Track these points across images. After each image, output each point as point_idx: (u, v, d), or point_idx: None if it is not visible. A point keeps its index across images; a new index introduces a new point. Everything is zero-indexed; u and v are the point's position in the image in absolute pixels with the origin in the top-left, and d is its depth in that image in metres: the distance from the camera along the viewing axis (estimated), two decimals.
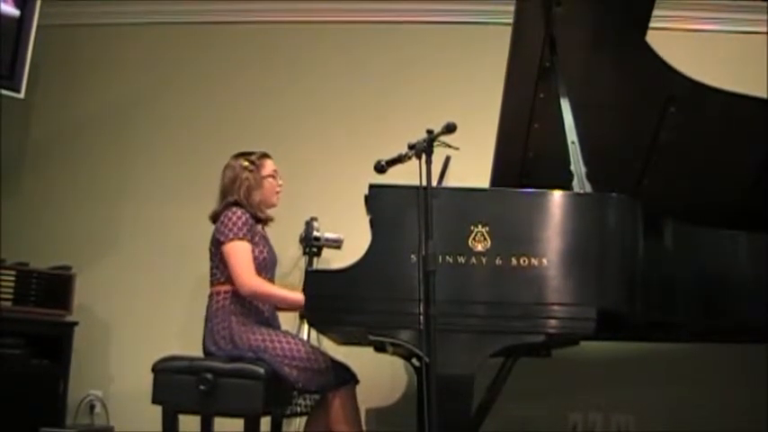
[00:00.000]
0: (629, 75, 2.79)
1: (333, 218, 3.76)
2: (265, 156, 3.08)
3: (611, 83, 2.85)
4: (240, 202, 2.93)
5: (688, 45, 3.91)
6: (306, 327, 3.38)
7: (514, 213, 2.26)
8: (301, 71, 4.28)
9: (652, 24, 2.69)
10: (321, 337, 3.23)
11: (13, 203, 4.10)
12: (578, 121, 2.54)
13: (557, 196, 2.28)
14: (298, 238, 3.74)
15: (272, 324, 2.92)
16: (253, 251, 2.86)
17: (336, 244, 3.68)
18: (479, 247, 2.20)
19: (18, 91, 3.79)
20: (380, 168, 2.30)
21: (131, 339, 3.95)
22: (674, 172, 2.94)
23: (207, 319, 2.86)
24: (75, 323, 3.75)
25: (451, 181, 3.12)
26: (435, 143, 2.23)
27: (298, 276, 3.79)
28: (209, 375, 2.58)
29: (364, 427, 2.89)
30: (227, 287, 2.85)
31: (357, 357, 3.02)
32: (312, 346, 2.83)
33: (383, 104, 4.18)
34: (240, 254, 2.81)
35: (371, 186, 2.28)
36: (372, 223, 2.30)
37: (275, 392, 2.66)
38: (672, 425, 3.70)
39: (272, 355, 2.69)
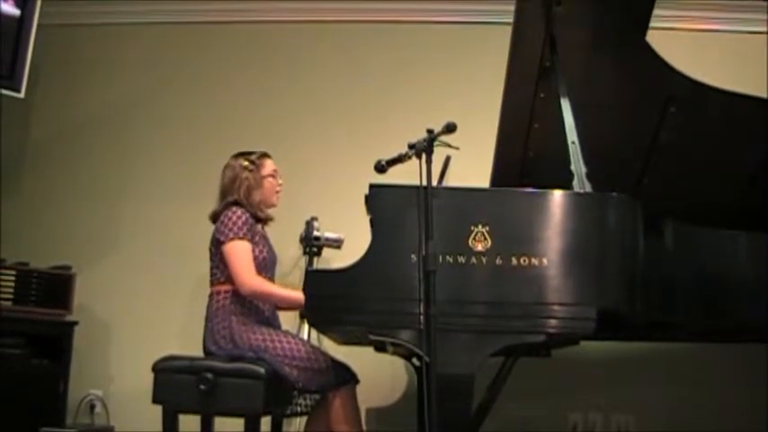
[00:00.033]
0: (630, 75, 2.79)
1: (333, 218, 3.76)
2: (265, 155, 3.08)
3: (611, 83, 2.84)
4: (240, 202, 2.93)
5: (688, 45, 3.92)
6: (306, 326, 3.38)
7: (514, 213, 2.26)
8: (301, 71, 4.28)
9: (652, 24, 2.69)
10: (321, 336, 3.23)
11: (13, 203, 4.11)
12: (578, 121, 2.54)
13: (557, 196, 2.28)
14: (298, 238, 3.74)
15: (273, 324, 2.92)
16: (253, 251, 2.86)
17: (336, 244, 3.68)
18: (479, 247, 2.20)
19: (18, 91, 3.79)
20: (380, 168, 2.30)
21: (131, 339, 3.95)
22: (674, 172, 2.93)
23: (207, 319, 2.87)
24: (76, 323, 3.76)
25: (452, 181, 3.12)
26: (435, 143, 2.23)
27: (298, 276, 3.80)
28: (209, 375, 2.58)
29: (364, 427, 2.89)
30: (227, 287, 2.85)
31: (357, 357, 3.02)
32: (312, 346, 2.83)
33: (383, 104, 4.18)
34: (240, 253, 2.81)
35: (372, 186, 2.28)
36: (372, 223, 2.30)
37: (275, 392, 2.66)
38: (672, 425, 3.70)
39: (273, 354, 2.69)
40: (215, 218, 2.95)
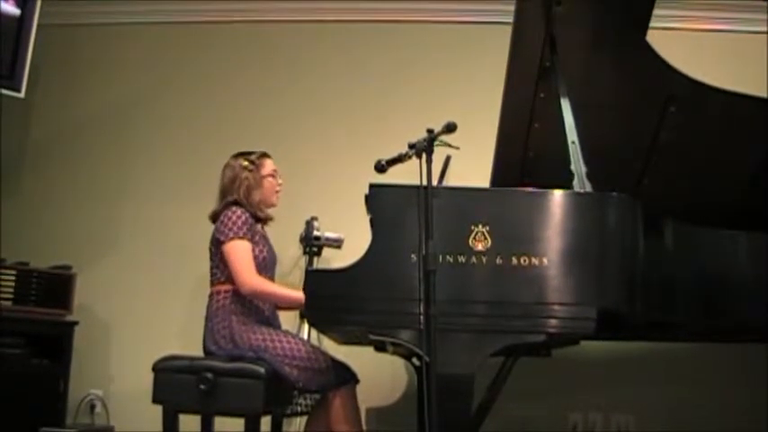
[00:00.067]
0: (630, 74, 2.79)
1: (333, 217, 3.76)
2: (265, 155, 3.08)
3: (611, 83, 2.84)
4: (240, 202, 2.93)
5: (688, 45, 3.91)
6: (306, 326, 3.38)
7: (515, 213, 2.26)
8: (301, 71, 4.28)
9: (652, 24, 2.69)
10: (321, 336, 3.23)
11: (13, 203, 4.11)
12: (578, 121, 2.54)
13: (557, 196, 2.28)
14: (298, 238, 3.74)
15: (273, 323, 2.92)
16: (253, 250, 2.86)
17: (337, 243, 3.68)
18: (480, 247, 2.20)
19: (18, 91, 3.79)
20: (381, 168, 2.30)
21: (131, 339, 3.95)
22: (674, 172, 2.93)
23: (207, 319, 2.87)
24: (76, 323, 3.75)
25: (452, 180, 3.12)
26: (435, 143, 2.23)
27: (298, 276, 3.80)
28: (209, 375, 2.58)
29: (364, 427, 2.90)
30: (227, 287, 2.85)
31: (357, 357, 3.02)
32: (312, 346, 2.83)
33: (383, 104, 4.18)
34: (240, 253, 2.81)
35: (372, 186, 2.28)
36: (372, 223, 2.30)
37: (276, 392, 2.66)
38: (672, 425, 3.70)
39: (273, 354, 2.69)
40: (215, 218, 2.95)
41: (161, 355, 2.73)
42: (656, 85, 2.76)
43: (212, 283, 2.91)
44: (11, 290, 3.55)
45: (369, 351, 3.09)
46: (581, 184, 2.40)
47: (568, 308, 2.18)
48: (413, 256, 2.19)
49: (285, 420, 3.11)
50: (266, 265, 2.94)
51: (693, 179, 2.94)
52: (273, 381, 2.63)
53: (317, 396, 2.86)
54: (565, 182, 2.40)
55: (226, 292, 2.85)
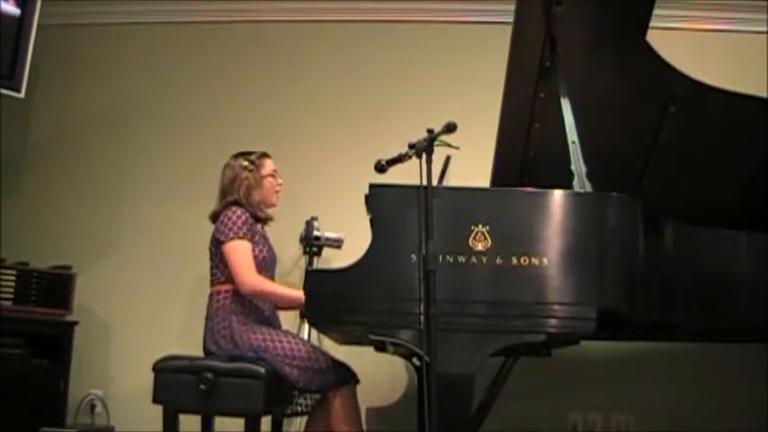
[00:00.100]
0: (630, 74, 2.79)
1: (333, 217, 3.76)
2: (265, 155, 3.08)
3: (611, 82, 2.84)
4: (240, 202, 2.93)
5: (688, 45, 3.91)
6: (306, 326, 3.38)
7: (515, 213, 2.26)
8: (301, 71, 4.28)
9: (652, 24, 2.69)
10: (322, 336, 3.23)
11: (13, 203, 4.11)
12: (578, 121, 2.54)
13: (557, 196, 2.28)
14: (298, 238, 3.74)
15: (273, 323, 2.92)
16: (253, 250, 2.86)
17: (337, 243, 3.69)
18: (480, 247, 2.20)
19: (18, 91, 3.79)
20: (381, 168, 2.30)
21: (131, 339, 3.95)
22: (674, 172, 2.93)
23: (207, 319, 2.87)
24: (76, 323, 3.75)
25: (452, 181, 3.11)
26: (435, 143, 2.22)
27: (298, 276, 3.80)
28: (209, 375, 2.58)
29: (365, 427, 2.90)
30: (227, 286, 2.85)
31: (357, 357, 3.02)
32: (313, 346, 2.83)
33: (383, 104, 4.18)
34: (240, 252, 2.81)
35: (372, 186, 2.28)
36: (372, 223, 2.30)
37: (276, 392, 2.66)
38: (672, 425, 3.70)
39: (273, 354, 2.69)
40: (215, 218, 2.95)
41: (161, 355, 2.73)
42: (656, 84, 2.76)
43: (212, 283, 2.91)
44: (11, 290, 3.55)
45: (369, 351, 3.09)
46: (581, 184, 2.40)
47: (568, 308, 2.18)
48: (413, 256, 2.19)
49: (285, 420, 3.11)
50: (266, 265, 2.94)
51: (693, 179, 2.94)
52: (273, 381, 2.63)
53: (317, 396, 2.86)
54: (565, 182, 2.40)
55: (226, 292, 2.85)
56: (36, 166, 4.26)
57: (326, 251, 3.71)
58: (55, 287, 3.70)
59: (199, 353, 2.83)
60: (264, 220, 3.03)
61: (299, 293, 2.56)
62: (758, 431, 3.54)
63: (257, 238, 2.92)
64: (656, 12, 2.67)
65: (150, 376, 2.66)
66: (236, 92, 4.27)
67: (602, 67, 2.81)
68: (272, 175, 3.06)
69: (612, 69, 2.83)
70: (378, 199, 2.28)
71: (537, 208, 2.27)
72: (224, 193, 2.99)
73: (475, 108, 3.58)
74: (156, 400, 2.63)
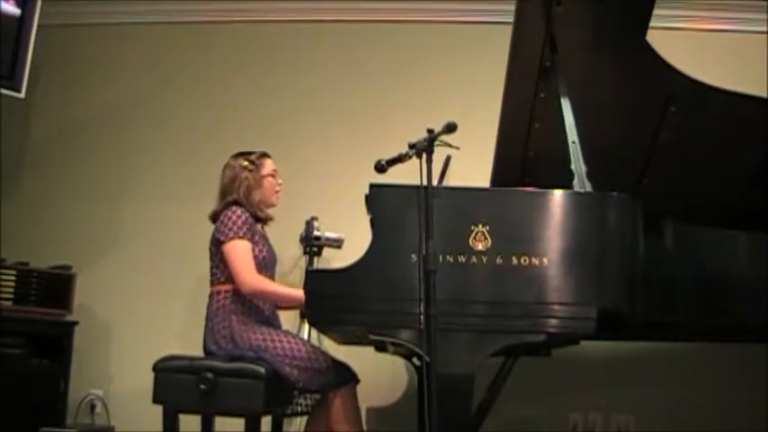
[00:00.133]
0: (630, 74, 2.79)
1: (333, 217, 3.76)
2: (265, 155, 3.08)
3: (611, 82, 2.85)
4: (240, 202, 2.93)
5: (688, 45, 3.91)
6: (306, 326, 3.38)
7: (515, 213, 2.26)
8: (301, 71, 4.28)
9: (652, 24, 2.69)
10: (322, 336, 3.23)
11: (13, 203, 4.11)
12: (578, 121, 2.54)
13: (557, 196, 2.28)
14: (298, 238, 3.74)
15: (273, 323, 2.92)
16: (253, 250, 2.86)
17: (337, 243, 3.69)
18: (480, 247, 2.20)
19: (18, 91, 3.79)
20: (381, 168, 2.30)
21: (131, 339, 3.95)
22: (674, 172, 2.94)
23: (207, 319, 2.87)
24: (76, 323, 3.75)
25: (452, 180, 3.12)
26: (436, 143, 2.23)
27: (298, 276, 3.80)
28: (209, 375, 2.58)
29: (365, 427, 2.90)
30: (227, 286, 2.85)
31: (357, 357, 3.02)
32: (313, 346, 2.83)
33: (383, 104, 4.18)
34: (240, 252, 2.81)
35: (372, 186, 2.28)
36: (373, 223, 2.30)
37: (276, 392, 2.66)
38: (672, 425, 3.70)
39: (273, 354, 2.69)
40: (215, 218, 2.95)
41: (161, 355, 2.73)
42: (656, 85, 2.76)
43: (212, 283, 2.91)
44: (11, 290, 3.55)
45: (369, 351, 3.09)
46: (581, 183, 2.40)
47: (568, 308, 2.18)
48: (413, 256, 2.19)
49: (285, 420, 3.11)
50: (266, 265, 2.94)
51: (693, 179, 2.94)
52: (274, 381, 2.63)
53: (317, 396, 2.86)
54: (565, 182, 2.40)
55: (226, 291, 2.85)
56: (36, 166, 4.26)
57: (326, 251, 3.71)
58: (55, 287, 3.70)
59: (199, 353, 2.83)
60: (264, 220, 3.03)
61: (299, 293, 2.56)
62: (758, 431, 3.54)
63: (257, 237, 2.92)
64: (656, 12, 2.67)
65: (150, 376, 2.66)
66: (236, 92, 4.27)
67: (602, 67, 2.82)
68: (272, 175, 3.06)
69: (612, 69, 2.83)
70: (378, 199, 2.28)
71: (537, 208, 2.27)
72: (224, 192, 2.99)
73: (475, 108, 3.58)
74: (156, 400, 2.63)
